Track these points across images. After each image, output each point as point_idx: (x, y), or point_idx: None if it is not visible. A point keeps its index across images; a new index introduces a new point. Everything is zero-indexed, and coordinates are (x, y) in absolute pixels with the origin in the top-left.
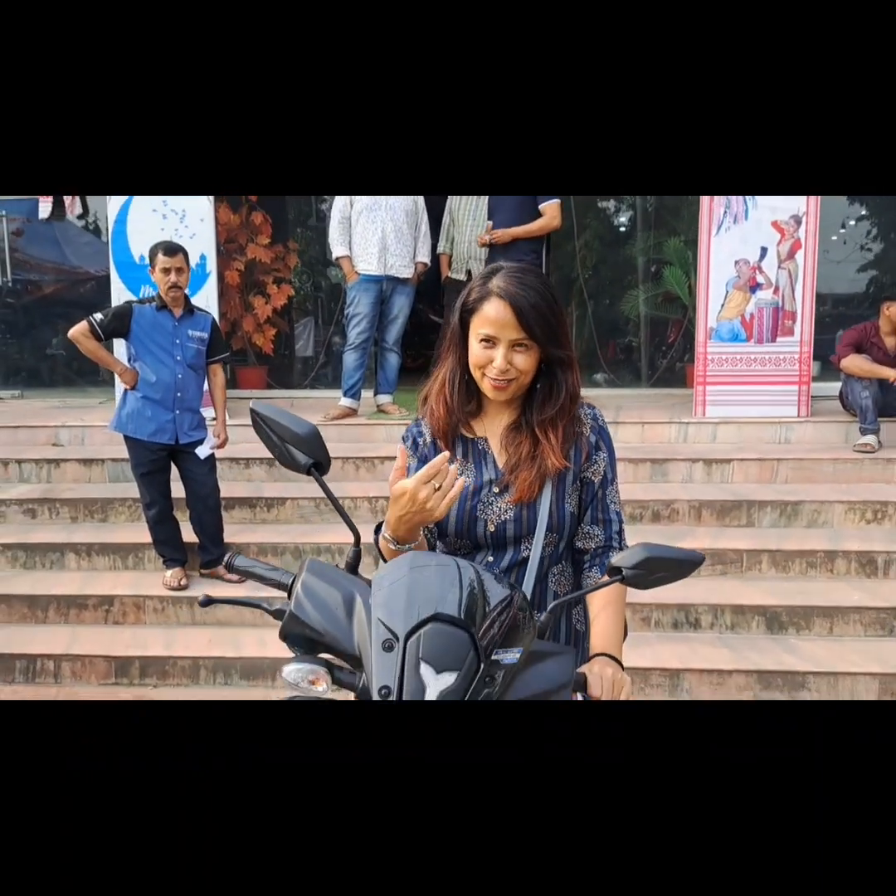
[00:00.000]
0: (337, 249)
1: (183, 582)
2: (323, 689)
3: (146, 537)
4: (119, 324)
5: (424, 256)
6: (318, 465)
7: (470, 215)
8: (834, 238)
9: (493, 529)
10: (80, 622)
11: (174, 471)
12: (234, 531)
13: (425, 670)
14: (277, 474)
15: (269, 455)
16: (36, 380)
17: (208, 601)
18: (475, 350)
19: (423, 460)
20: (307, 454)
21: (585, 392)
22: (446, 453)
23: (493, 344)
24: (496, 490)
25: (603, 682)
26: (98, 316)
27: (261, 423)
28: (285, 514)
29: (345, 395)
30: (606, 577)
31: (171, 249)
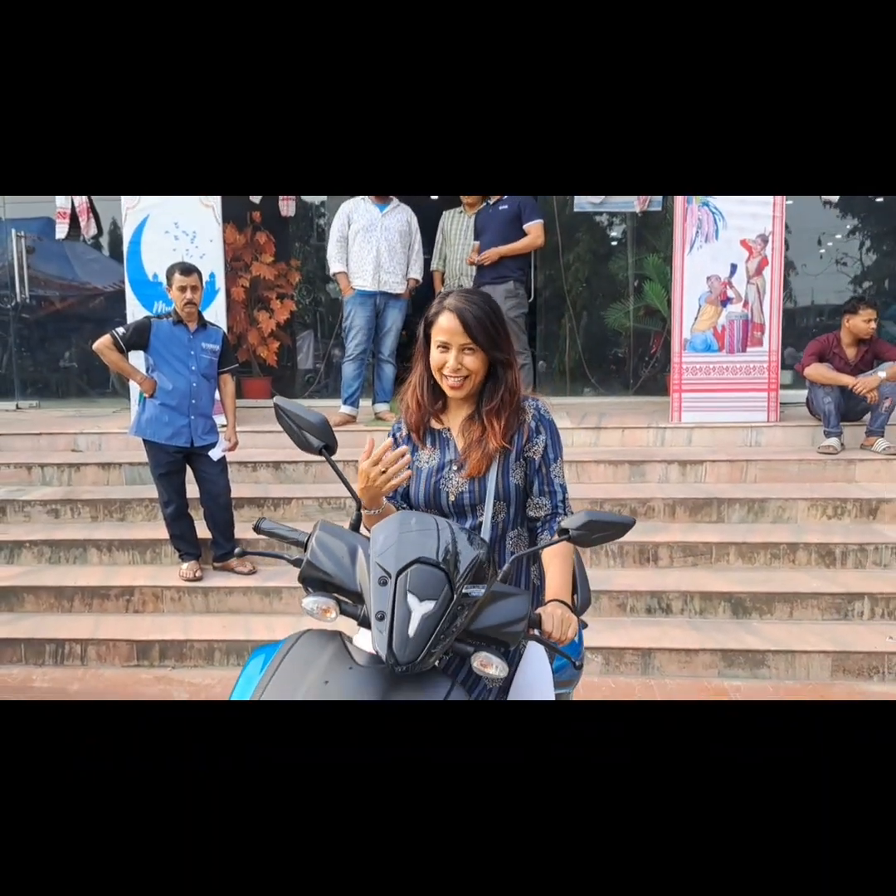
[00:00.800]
0: (335, 266)
1: (198, 574)
2: (333, 616)
3: (163, 533)
4: (139, 337)
5: (417, 273)
6: (328, 447)
7: (461, 234)
8: (822, 251)
9: (453, 499)
10: (104, 611)
11: (189, 472)
12: (244, 528)
13: (412, 599)
14: (283, 476)
15: (276, 459)
16: (51, 391)
17: (243, 552)
18: (434, 355)
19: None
20: (319, 439)
21: (571, 400)
22: (388, 441)
23: (447, 349)
24: (455, 467)
25: (554, 620)
26: (120, 330)
27: (282, 414)
28: (291, 512)
29: (344, 403)
30: (556, 536)
31: (187, 269)
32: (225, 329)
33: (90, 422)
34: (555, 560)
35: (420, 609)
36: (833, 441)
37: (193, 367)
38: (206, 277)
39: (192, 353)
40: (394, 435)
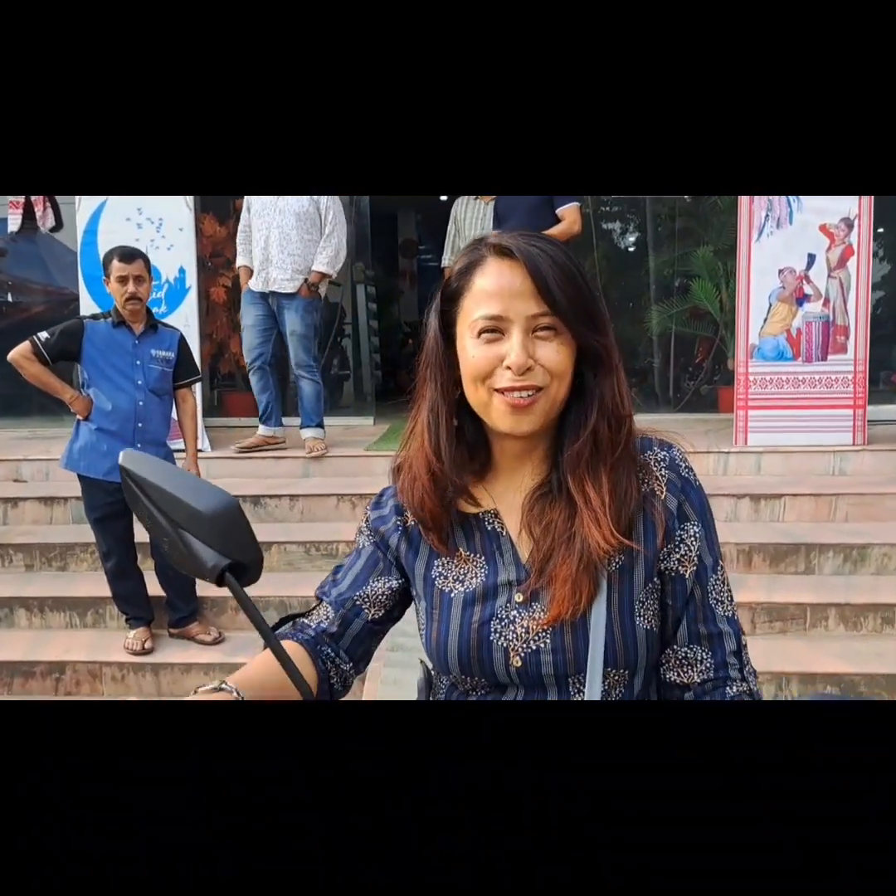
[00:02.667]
0: (237, 259)
1: (147, 644)
2: None
3: (108, 589)
4: (68, 343)
5: (324, 265)
6: (238, 567)
7: (478, 224)
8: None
9: (519, 664)
10: (27, 692)
11: None
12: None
13: None
14: (263, 514)
15: (255, 491)
16: (10, 408)
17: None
18: (472, 352)
19: (389, 569)
20: (219, 549)
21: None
22: None
23: (500, 332)
24: (519, 598)
25: None
26: (43, 335)
27: (137, 493)
28: (270, 560)
29: (261, 421)
30: None
31: (128, 255)
32: (199, 335)
33: (41, 445)
34: None
35: None
36: None
37: (140, 381)
38: (174, 272)
39: (138, 362)
40: (377, 533)
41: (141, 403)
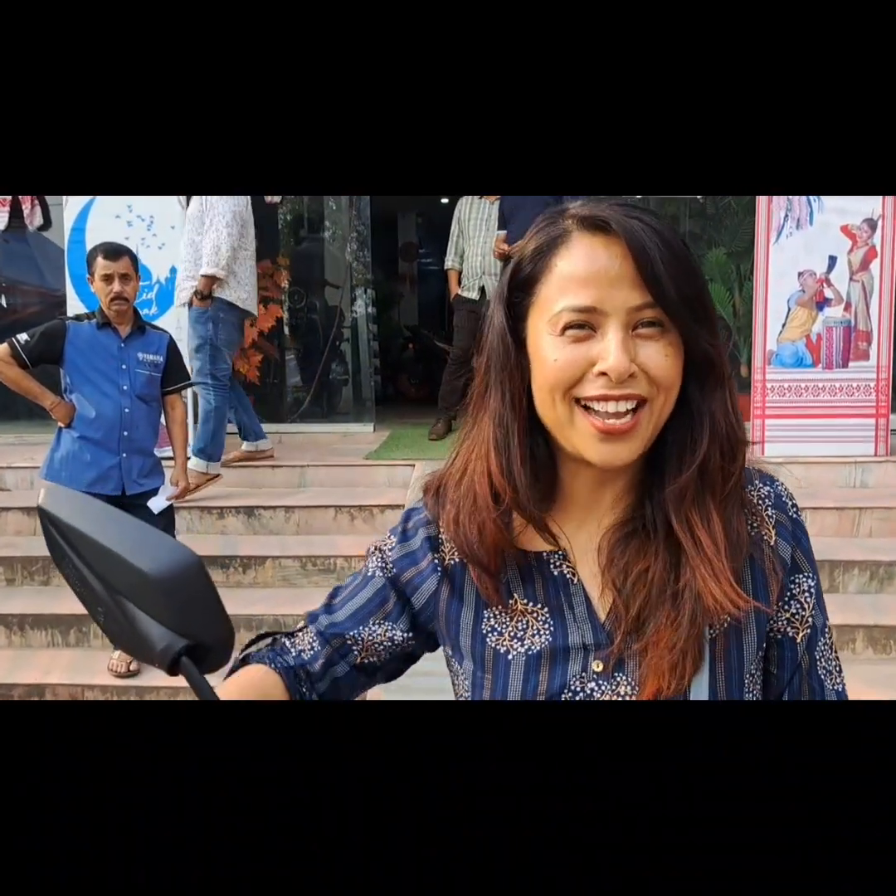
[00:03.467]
0: None
1: (133, 666)
2: None
3: None
4: (48, 346)
5: (204, 265)
6: (198, 651)
7: (482, 225)
8: None
9: None
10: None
11: None
12: None
13: None
14: (258, 526)
15: (248, 503)
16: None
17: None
18: (552, 353)
19: (398, 616)
20: (173, 626)
21: None
22: None
23: (591, 328)
24: (598, 667)
25: None
26: (22, 337)
27: (63, 545)
28: (264, 576)
29: (241, 438)
30: None
31: (113, 252)
32: (187, 337)
33: (27, 451)
34: None
35: None
36: None
37: (125, 387)
38: (165, 272)
39: (124, 367)
40: (396, 564)
41: (127, 410)
